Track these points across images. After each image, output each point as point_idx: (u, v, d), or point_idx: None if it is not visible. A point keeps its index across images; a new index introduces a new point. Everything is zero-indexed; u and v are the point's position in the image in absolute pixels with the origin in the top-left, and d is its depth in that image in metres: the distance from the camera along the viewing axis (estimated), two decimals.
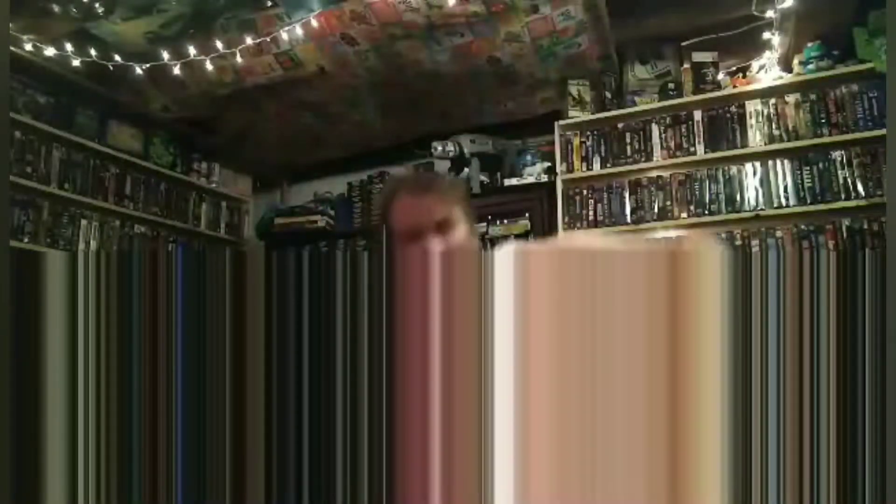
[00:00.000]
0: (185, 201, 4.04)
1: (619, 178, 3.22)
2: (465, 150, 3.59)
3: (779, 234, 2.86)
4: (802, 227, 2.83)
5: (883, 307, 0.84)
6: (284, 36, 2.85)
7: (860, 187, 2.75)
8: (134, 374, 0.94)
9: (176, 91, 3.43)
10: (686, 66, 3.22)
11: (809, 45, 2.96)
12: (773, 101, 2.98)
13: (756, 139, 2.97)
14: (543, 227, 3.30)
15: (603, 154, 3.27)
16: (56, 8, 2.79)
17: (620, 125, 3.26)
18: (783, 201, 2.88)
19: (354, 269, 0.96)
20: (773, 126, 2.96)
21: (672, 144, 3.13)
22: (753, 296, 0.88)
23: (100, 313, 0.93)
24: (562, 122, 3.34)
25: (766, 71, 3.05)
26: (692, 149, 3.09)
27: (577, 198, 3.27)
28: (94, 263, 0.94)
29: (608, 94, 3.35)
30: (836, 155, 2.82)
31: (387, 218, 1.15)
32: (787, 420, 0.85)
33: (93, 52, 2.94)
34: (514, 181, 3.49)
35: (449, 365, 0.95)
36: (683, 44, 3.25)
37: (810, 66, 2.92)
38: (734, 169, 3.00)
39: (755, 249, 2.90)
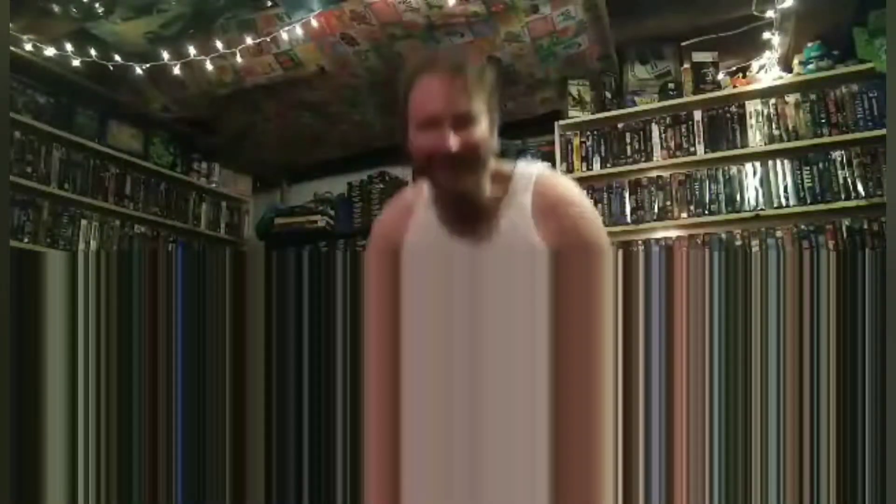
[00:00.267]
0: (185, 201, 4.04)
1: (619, 178, 3.22)
2: None
3: (779, 234, 2.86)
4: (802, 227, 2.83)
5: (883, 307, 0.84)
6: (284, 36, 2.85)
7: (860, 187, 2.75)
8: (134, 373, 0.94)
9: (176, 91, 3.43)
10: (686, 66, 3.23)
11: (809, 45, 2.96)
12: (773, 101, 2.98)
13: (756, 139, 2.97)
14: None
15: (603, 154, 3.27)
16: (56, 8, 2.79)
17: (620, 125, 3.26)
18: (783, 201, 2.88)
19: (354, 269, 0.96)
20: (773, 126, 2.96)
21: (672, 144, 3.13)
22: (753, 296, 0.88)
23: (100, 313, 0.93)
24: (562, 122, 3.34)
25: (766, 71, 3.05)
26: (692, 149, 3.08)
27: None
28: (94, 263, 0.94)
29: (608, 94, 3.35)
30: (836, 155, 2.81)
31: (406, 100, 1.06)
32: (787, 420, 0.85)
33: (93, 52, 2.94)
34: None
35: (450, 365, 0.95)
36: (683, 44, 3.25)
37: (810, 66, 2.92)
38: (734, 169, 3.00)
39: (755, 249, 2.89)
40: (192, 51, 2.91)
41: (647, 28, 3.19)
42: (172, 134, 3.94)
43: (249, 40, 2.86)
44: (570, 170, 3.28)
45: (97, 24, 2.92)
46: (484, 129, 1.05)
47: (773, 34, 2.95)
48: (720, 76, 3.15)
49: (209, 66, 2.97)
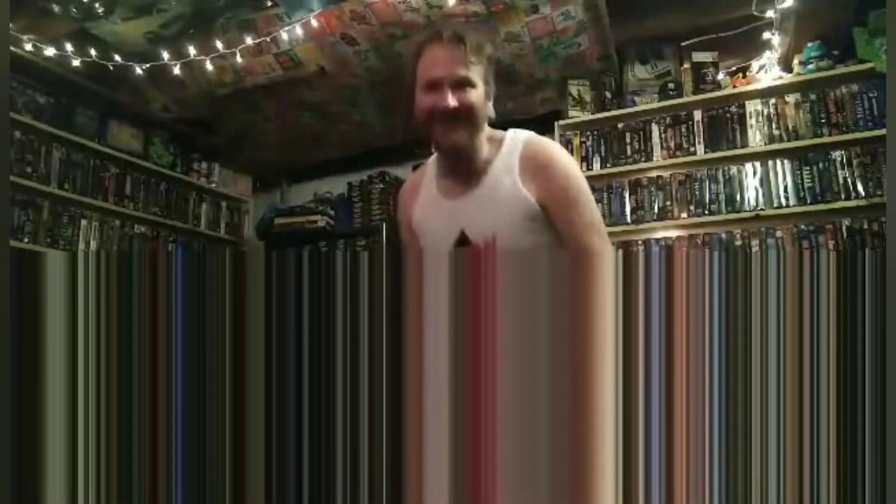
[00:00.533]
0: (185, 201, 4.04)
1: (619, 178, 3.22)
2: None
3: (779, 234, 2.86)
4: (802, 227, 2.83)
5: (883, 307, 0.84)
6: (284, 36, 2.85)
7: (860, 187, 2.75)
8: (134, 373, 0.94)
9: (176, 91, 3.43)
10: (686, 66, 3.23)
11: (809, 45, 2.96)
12: (773, 101, 2.98)
13: (756, 139, 2.97)
14: None
15: (603, 154, 3.27)
16: (56, 8, 2.80)
17: (620, 125, 3.26)
18: (783, 201, 2.88)
19: (354, 269, 0.96)
20: (773, 126, 2.96)
21: (672, 144, 3.13)
22: (753, 296, 0.88)
23: (100, 313, 0.93)
24: (562, 122, 3.34)
25: (766, 71, 3.05)
26: (692, 149, 3.09)
27: None
28: (94, 263, 0.94)
29: (608, 94, 3.35)
30: (836, 155, 2.81)
31: (415, 67, 1.24)
32: (787, 420, 0.85)
33: (93, 52, 2.94)
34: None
35: (451, 364, 0.95)
36: (683, 44, 3.25)
37: (810, 66, 2.92)
38: (734, 169, 3.00)
39: (755, 249, 2.89)
40: (192, 51, 2.91)
41: (647, 28, 3.19)
42: (172, 134, 3.94)
43: (249, 40, 2.86)
44: None
45: (97, 24, 2.92)
46: (479, 93, 1.21)
47: (773, 34, 2.95)
48: (720, 76, 3.15)
49: (209, 66, 2.97)
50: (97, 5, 2.77)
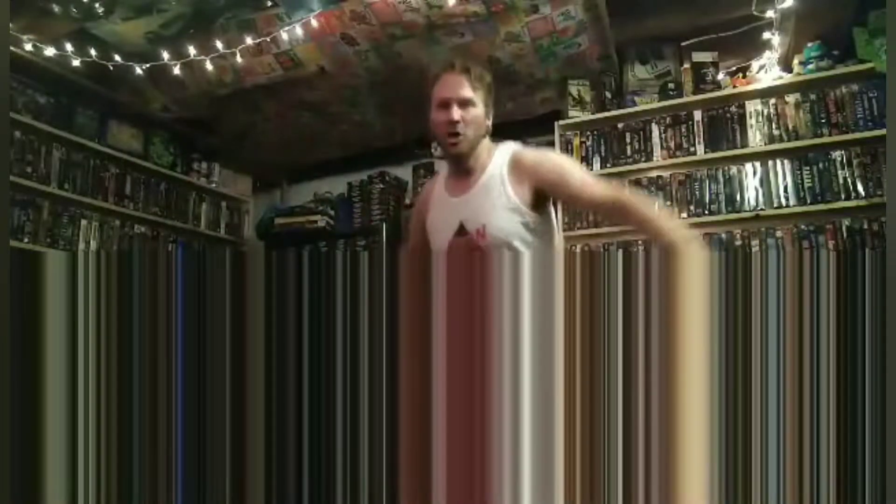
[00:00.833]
0: (185, 201, 4.04)
1: (619, 178, 3.22)
2: None
3: (779, 234, 2.86)
4: (802, 227, 2.83)
5: (883, 307, 0.84)
6: (284, 36, 2.85)
7: (860, 187, 2.75)
8: (134, 373, 0.94)
9: (176, 91, 3.43)
10: (686, 66, 3.22)
11: (809, 45, 2.96)
12: (773, 101, 2.98)
13: (756, 139, 2.97)
14: None
15: (603, 154, 3.26)
16: (56, 8, 2.79)
17: (620, 125, 3.26)
18: (783, 201, 2.88)
19: (354, 269, 0.96)
20: (773, 126, 2.96)
21: (672, 144, 3.13)
22: (753, 296, 0.88)
23: (100, 313, 0.93)
24: (562, 122, 3.34)
25: (766, 71, 3.05)
26: (692, 149, 3.08)
27: None
28: (94, 263, 0.94)
29: (608, 94, 3.35)
30: (836, 155, 2.81)
31: (432, 91, 1.56)
32: (787, 420, 0.85)
33: (93, 52, 2.94)
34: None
35: (450, 364, 0.95)
36: (683, 44, 3.25)
37: (810, 66, 2.92)
38: (734, 169, 3.00)
39: (755, 249, 2.89)
40: (192, 51, 2.90)
41: (647, 28, 3.18)
42: (172, 134, 3.94)
43: (249, 40, 2.86)
44: None
45: (97, 24, 2.92)
46: (479, 111, 1.53)
47: (773, 34, 2.95)
48: (720, 76, 3.15)
49: (209, 66, 2.97)
50: (97, 5, 2.77)
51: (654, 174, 3.16)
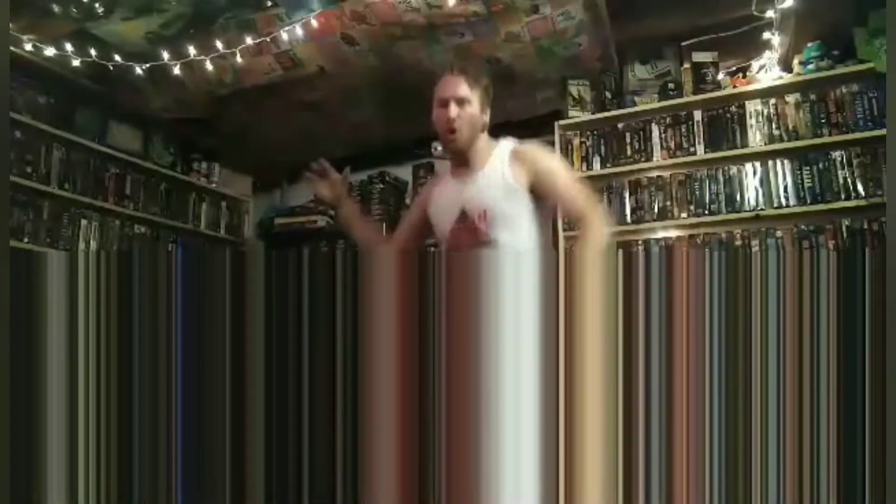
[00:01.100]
0: (185, 201, 4.03)
1: (619, 178, 3.22)
2: None
3: (779, 234, 2.86)
4: (802, 227, 2.83)
5: (883, 307, 0.84)
6: (284, 36, 2.85)
7: (860, 187, 2.75)
8: (134, 373, 0.94)
9: (176, 91, 3.43)
10: (686, 66, 3.22)
11: (809, 45, 2.96)
12: (773, 101, 2.98)
13: (756, 139, 2.97)
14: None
15: (603, 154, 3.26)
16: (56, 8, 2.79)
17: (620, 125, 3.26)
18: (783, 201, 2.88)
19: (354, 269, 0.96)
20: (773, 126, 2.96)
21: (672, 144, 3.13)
22: (753, 296, 0.88)
23: (100, 313, 0.93)
24: (562, 122, 3.34)
25: (766, 71, 3.05)
26: (692, 149, 3.08)
27: None
28: (94, 263, 0.94)
29: (608, 94, 3.35)
30: (836, 155, 2.81)
31: (434, 91, 1.69)
32: (786, 420, 0.85)
33: (93, 52, 2.94)
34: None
35: (449, 364, 0.95)
36: (683, 44, 3.25)
37: (810, 66, 2.92)
38: (734, 169, 3.00)
39: (755, 249, 2.89)
40: (192, 51, 2.90)
41: (647, 28, 3.18)
42: (172, 134, 3.94)
43: (249, 40, 2.86)
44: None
45: (97, 24, 2.91)
46: (475, 109, 1.66)
47: (773, 34, 2.95)
48: (720, 76, 3.15)
49: (209, 66, 2.96)
50: (97, 5, 2.77)
51: (654, 174, 3.16)
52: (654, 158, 3.15)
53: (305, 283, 0.95)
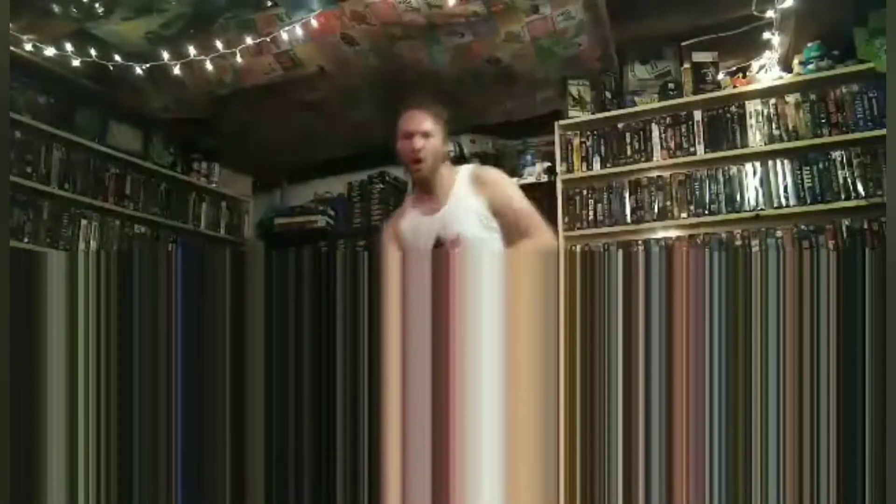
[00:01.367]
0: (185, 201, 4.03)
1: (619, 178, 3.22)
2: (466, 151, 3.60)
3: (779, 234, 2.86)
4: (802, 227, 2.83)
5: (883, 307, 0.84)
6: (284, 36, 2.85)
7: (860, 187, 2.75)
8: (134, 373, 0.94)
9: (176, 91, 3.43)
10: (686, 66, 3.22)
11: (809, 45, 2.96)
12: (773, 101, 2.97)
13: (756, 139, 2.97)
14: None
15: (603, 154, 3.26)
16: (56, 8, 2.79)
17: (620, 125, 3.26)
18: (783, 201, 2.88)
19: (354, 269, 0.96)
20: (773, 126, 2.95)
21: (672, 144, 3.13)
22: (753, 296, 0.88)
23: (100, 313, 0.93)
24: (562, 122, 3.34)
25: (766, 71, 3.05)
26: (692, 149, 3.08)
27: (577, 198, 3.27)
28: (94, 263, 0.94)
29: (608, 94, 3.35)
30: (836, 155, 2.81)
31: (398, 122, 1.81)
32: (786, 420, 0.85)
33: (93, 52, 2.94)
34: (514, 181, 3.47)
35: (448, 363, 0.95)
36: (683, 44, 3.25)
37: (810, 66, 2.92)
38: (734, 169, 3.00)
39: (755, 249, 2.89)
40: (192, 51, 2.90)
41: (647, 28, 3.18)
42: (172, 134, 3.94)
43: (249, 40, 2.86)
44: (570, 170, 3.29)
45: (97, 24, 2.91)
46: (437, 141, 1.79)
47: (773, 34, 2.95)
48: (720, 76, 3.15)
49: (209, 66, 2.96)
50: (97, 5, 2.77)
51: (654, 174, 3.16)
52: (654, 158, 3.15)
53: (305, 283, 0.95)
